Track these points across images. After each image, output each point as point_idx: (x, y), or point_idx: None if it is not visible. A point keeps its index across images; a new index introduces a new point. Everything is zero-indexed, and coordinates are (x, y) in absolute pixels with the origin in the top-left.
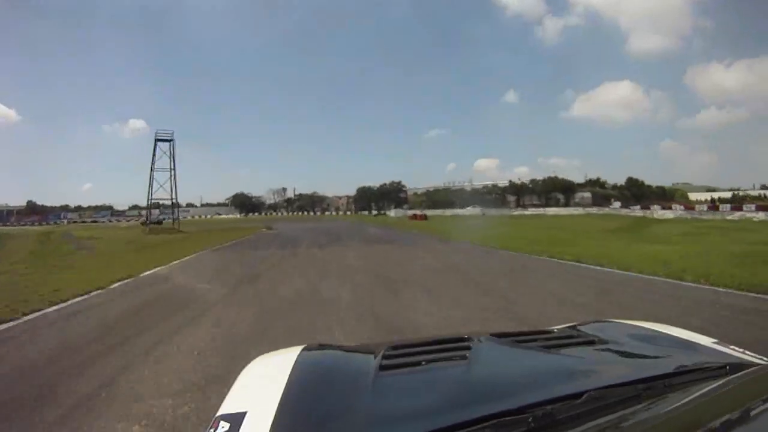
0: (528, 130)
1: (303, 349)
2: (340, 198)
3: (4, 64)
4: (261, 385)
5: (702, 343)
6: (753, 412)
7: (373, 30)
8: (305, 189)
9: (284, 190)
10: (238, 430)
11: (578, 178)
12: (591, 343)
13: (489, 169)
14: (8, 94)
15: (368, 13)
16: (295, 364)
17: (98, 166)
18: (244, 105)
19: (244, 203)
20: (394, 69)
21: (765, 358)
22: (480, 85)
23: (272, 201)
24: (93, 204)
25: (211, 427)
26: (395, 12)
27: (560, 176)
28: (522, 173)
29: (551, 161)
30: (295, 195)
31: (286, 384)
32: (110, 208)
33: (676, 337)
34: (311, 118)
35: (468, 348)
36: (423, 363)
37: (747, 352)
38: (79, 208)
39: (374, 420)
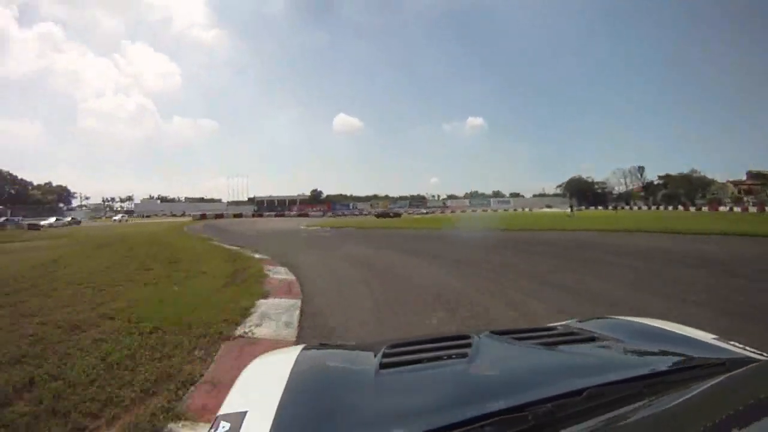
0: None
1: (303, 349)
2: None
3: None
4: (261, 385)
5: (702, 339)
6: (753, 408)
7: None
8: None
9: (640, 169)
10: (239, 429)
11: None
12: (591, 339)
13: None
14: (354, 106)
15: None
16: (295, 363)
17: (441, 161)
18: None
19: (581, 189)
20: None
21: (765, 354)
22: None
23: (622, 187)
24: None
25: (212, 427)
26: None
27: None
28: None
29: None
30: (659, 179)
31: (287, 383)
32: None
33: (676, 333)
34: None
35: (468, 345)
36: (423, 361)
37: (747, 348)
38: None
39: (375, 418)
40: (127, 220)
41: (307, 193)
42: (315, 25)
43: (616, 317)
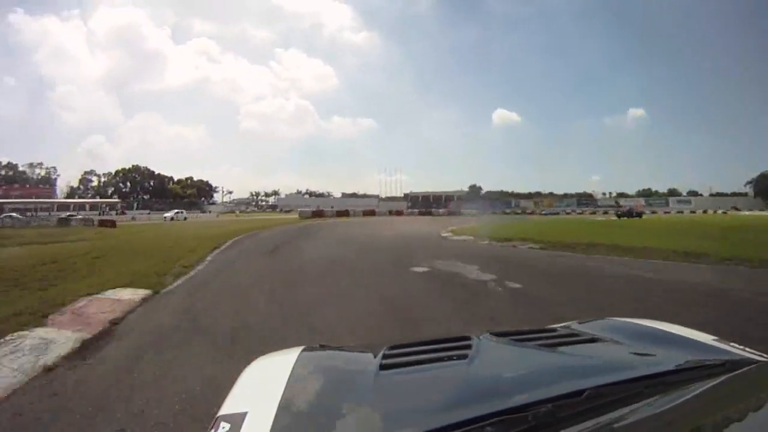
0: None
1: (303, 350)
2: None
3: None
4: (261, 386)
5: (702, 340)
6: (753, 409)
7: None
8: None
9: None
10: (239, 430)
11: None
12: (591, 340)
13: None
14: (511, 101)
15: None
16: (295, 364)
17: (605, 157)
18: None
19: None
20: None
21: (765, 355)
22: None
23: None
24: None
25: (212, 428)
26: None
27: None
28: None
29: None
30: None
31: (287, 384)
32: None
33: (676, 334)
34: None
35: (468, 347)
36: (423, 362)
37: (747, 349)
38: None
39: (375, 419)
40: (185, 218)
41: (465, 188)
42: (464, 21)
43: (616, 318)
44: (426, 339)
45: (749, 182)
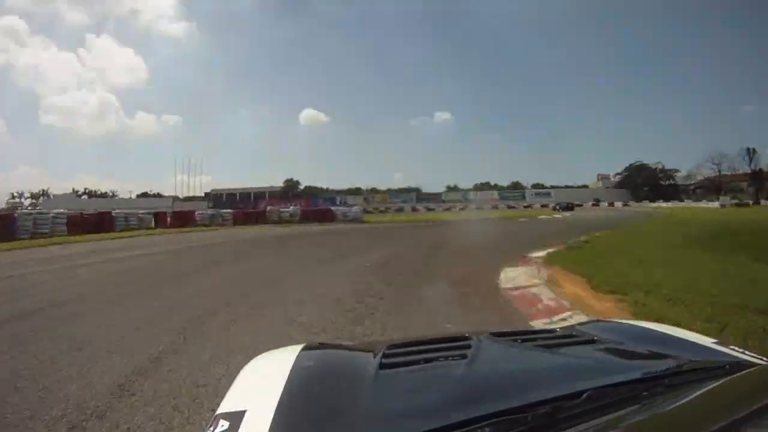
0: None
1: (303, 348)
2: None
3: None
4: (261, 384)
5: (702, 342)
6: (753, 412)
7: None
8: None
9: (750, 151)
10: (238, 428)
11: None
12: (591, 342)
13: None
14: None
15: None
16: (294, 362)
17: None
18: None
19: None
20: None
21: (765, 358)
22: None
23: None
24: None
25: (210, 426)
26: None
27: None
28: None
29: None
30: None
31: (286, 382)
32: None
33: (676, 336)
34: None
35: (468, 347)
36: (423, 361)
37: (747, 351)
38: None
39: (374, 418)
40: None
41: (280, 183)
42: (282, 19)
43: (616, 320)
44: (426, 338)
45: (618, 174)
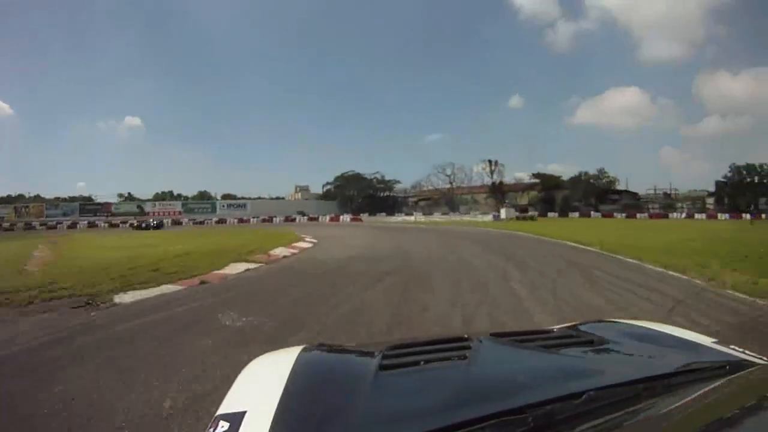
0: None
1: (302, 349)
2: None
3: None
4: (261, 385)
5: (702, 343)
6: (753, 412)
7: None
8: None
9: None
10: (238, 429)
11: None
12: (591, 343)
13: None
14: (5, 90)
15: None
16: (294, 363)
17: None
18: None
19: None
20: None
21: (765, 358)
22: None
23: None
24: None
25: (210, 427)
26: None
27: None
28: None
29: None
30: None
31: (286, 384)
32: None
33: (676, 336)
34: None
35: (468, 348)
36: (423, 363)
37: (747, 351)
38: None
39: (374, 420)
40: None
41: None
42: None
43: (616, 320)
44: (426, 339)
45: (329, 183)
